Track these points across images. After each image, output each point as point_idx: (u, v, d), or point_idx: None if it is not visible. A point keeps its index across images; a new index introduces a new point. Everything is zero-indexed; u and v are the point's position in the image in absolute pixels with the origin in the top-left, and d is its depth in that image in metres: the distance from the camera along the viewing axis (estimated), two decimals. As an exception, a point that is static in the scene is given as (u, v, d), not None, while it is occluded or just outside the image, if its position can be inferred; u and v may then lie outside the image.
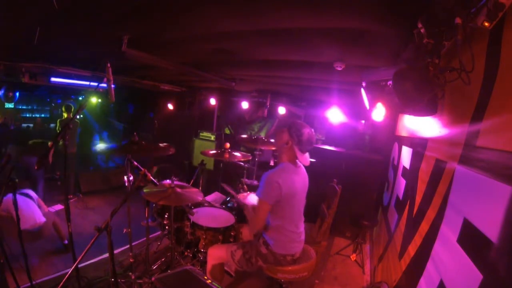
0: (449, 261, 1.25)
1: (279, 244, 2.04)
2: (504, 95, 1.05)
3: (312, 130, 2.04)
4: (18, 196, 2.12)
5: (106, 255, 2.49)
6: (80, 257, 1.50)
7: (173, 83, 5.68)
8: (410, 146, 2.59)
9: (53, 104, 8.45)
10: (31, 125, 7.52)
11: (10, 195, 2.13)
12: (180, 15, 1.80)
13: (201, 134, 6.10)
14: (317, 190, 2.69)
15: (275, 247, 2.04)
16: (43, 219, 3.05)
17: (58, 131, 5.24)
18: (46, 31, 1.97)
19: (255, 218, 2.01)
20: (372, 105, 2.60)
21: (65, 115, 5.03)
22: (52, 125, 7.37)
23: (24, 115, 8.23)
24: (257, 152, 3.75)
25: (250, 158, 3.41)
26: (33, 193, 3.23)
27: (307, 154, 2.05)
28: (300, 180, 2.04)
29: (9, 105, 6.95)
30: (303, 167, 2.13)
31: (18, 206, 2.06)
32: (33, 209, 3.05)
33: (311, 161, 2.13)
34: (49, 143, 1.90)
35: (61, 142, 2.02)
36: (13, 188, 2.00)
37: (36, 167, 1.83)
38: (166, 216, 2.81)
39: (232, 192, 2.60)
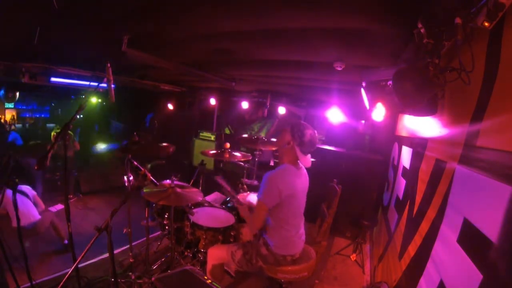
0: (449, 261, 1.25)
1: (279, 245, 2.04)
2: (504, 95, 1.05)
3: (315, 132, 2.00)
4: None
5: (106, 255, 2.49)
6: (80, 257, 1.50)
7: (173, 83, 5.68)
8: (410, 146, 2.58)
9: (52, 104, 8.45)
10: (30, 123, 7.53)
11: (7, 192, 2.12)
12: (180, 15, 1.80)
13: (201, 134, 6.10)
14: (317, 190, 2.68)
15: (275, 248, 2.04)
16: (37, 217, 3.08)
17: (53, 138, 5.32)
18: (46, 31, 1.97)
19: (254, 218, 2.00)
20: (372, 105, 2.60)
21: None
22: (50, 125, 7.38)
23: (24, 115, 8.23)
24: (257, 152, 3.75)
25: (250, 158, 3.41)
26: (30, 190, 3.24)
27: (308, 156, 2.03)
28: (300, 182, 2.04)
29: (9, 105, 6.95)
30: (304, 169, 2.12)
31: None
32: (28, 207, 3.06)
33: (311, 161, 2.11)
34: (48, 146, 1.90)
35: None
36: (13, 187, 2.00)
37: (36, 168, 1.83)
38: (166, 216, 2.81)
39: (227, 187, 2.28)
